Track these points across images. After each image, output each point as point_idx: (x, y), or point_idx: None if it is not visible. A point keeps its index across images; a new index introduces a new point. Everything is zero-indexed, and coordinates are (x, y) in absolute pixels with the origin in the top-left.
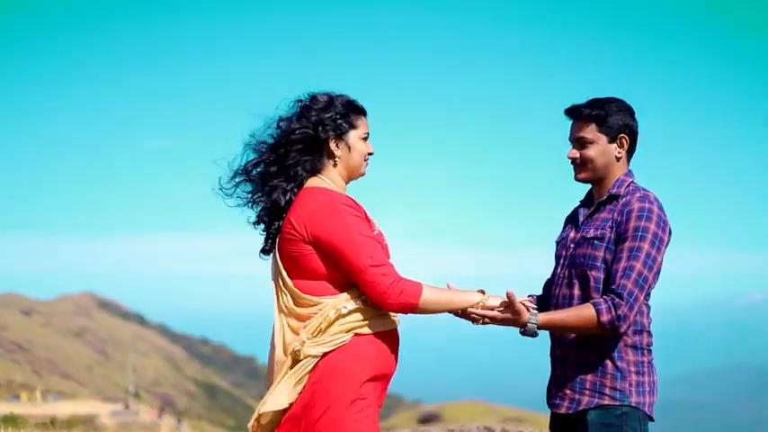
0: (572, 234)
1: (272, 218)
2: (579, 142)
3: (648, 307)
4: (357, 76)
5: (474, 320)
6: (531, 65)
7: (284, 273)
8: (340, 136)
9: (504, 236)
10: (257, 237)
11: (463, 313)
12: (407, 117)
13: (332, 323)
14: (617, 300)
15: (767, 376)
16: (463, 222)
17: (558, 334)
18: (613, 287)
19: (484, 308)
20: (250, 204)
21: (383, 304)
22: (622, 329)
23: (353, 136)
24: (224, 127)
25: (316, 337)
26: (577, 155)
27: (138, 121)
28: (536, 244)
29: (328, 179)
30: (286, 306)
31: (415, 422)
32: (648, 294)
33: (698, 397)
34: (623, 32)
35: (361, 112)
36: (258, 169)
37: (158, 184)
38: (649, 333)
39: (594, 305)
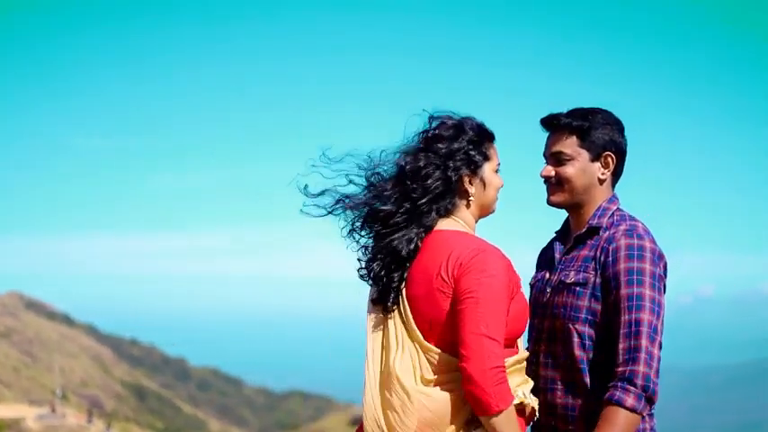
0: (548, 276)
1: (393, 269)
2: (556, 158)
3: None
4: (356, 77)
5: None
6: (530, 65)
7: (420, 336)
8: (474, 171)
9: (504, 235)
10: (187, 237)
11: None
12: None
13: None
14: (628, 371)
15: (696, 377)
16: None
17: (548, 402)
18: (619, 350)
19: None
20: (363, 251)
21: (470, 385)
22: (656, 396)
23: (488, 169)
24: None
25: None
26: (552, 173)
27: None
28: (536, 242)
29: (462, 220)
30: (422, 377)
31: (346, 424)
32: (661, 346)
33: None
34: (623, 33)
35: (492, 137)
36: (378, 221)
37: (94, 182)
38: None
39: (610, 399)
